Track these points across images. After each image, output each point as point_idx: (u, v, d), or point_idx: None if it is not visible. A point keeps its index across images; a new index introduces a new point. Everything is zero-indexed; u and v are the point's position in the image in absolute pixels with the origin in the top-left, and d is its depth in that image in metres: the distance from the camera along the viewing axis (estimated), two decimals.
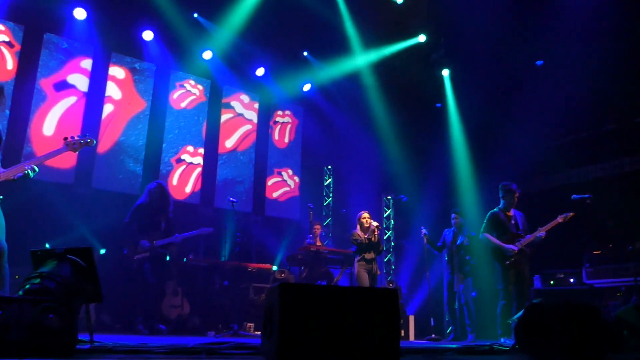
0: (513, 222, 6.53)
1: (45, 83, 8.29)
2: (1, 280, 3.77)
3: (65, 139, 4.33)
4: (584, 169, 9.32)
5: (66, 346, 2.52)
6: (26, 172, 3.96)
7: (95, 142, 4.53)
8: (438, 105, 11.04)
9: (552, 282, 7.55)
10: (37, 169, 4.04)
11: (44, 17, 8.23)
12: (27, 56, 8.16)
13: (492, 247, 6.51)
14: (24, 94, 8.03)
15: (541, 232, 6.33)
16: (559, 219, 6.33)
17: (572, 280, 7.46)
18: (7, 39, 8.02)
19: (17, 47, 8.10)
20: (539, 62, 9.45)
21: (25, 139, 7.94)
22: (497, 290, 6.54)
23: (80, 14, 8.31)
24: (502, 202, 6.64)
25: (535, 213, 6.92)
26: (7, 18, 8.02)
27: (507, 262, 6.31)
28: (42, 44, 8.35)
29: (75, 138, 4.35)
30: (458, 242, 7.83)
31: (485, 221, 6.66)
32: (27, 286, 2.76)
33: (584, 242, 7.66)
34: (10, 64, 8.00)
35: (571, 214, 6.30)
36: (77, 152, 4.48)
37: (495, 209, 6.65)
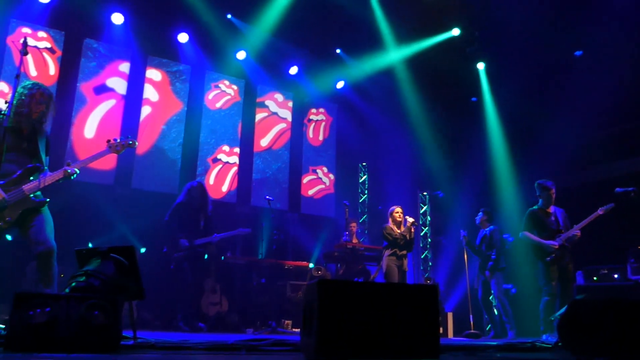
0: (553, 219, 6.40)
1: (85, 87, 8.52)
2: (50, 278, 3.88)
3: (108, 141, 4.44)
4: (627, 161, 9.03)
5: (111, 342, 2.59)
6: (67, 173, 4.08)
7: (136, 143, 4.64)
8: (474, 99, 10.87)
9: (595, 278, 7.36)
10: (78, 171, 4.16)
11: (84, 23, 8.46)
12: (68, 61, 8.41)
13: (532, 245, 6.40)
14: (65, 98, 8.26)
15: (576, 230, 6.19)
16: (600, 212, 6.18)
17: (616, 276, 7.25)
18: (49, 45, 8.27)
19: (59, 52, 8.34)
20: (577, 53, 9.20)
21: (68, 141, 8.18)
22: (538, 287, 6.42)
23: (117, 19, 8.50)
24: (540, 200, 6.52)
25: (578, 207, 6.75)
26: (48, 25, 8.27)
27: (548, 259, 6.18)
28: (82, 49, 8.59)
29: (118, 140, 4.47)
30: (481, 235, 7.80)
31: (524, 219, 6.57)
32: (74, 284, 2.85)
33: (628, 237, 7.44)
34: (52, 69, 8.24)
35: (612, 205, 6.13)
36: (119, 154, 4.57)
37: (534, 207, 6.56)
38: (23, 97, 4.02)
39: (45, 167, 4.13)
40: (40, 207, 4.00)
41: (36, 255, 3.90)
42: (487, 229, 7.82)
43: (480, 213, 7.99)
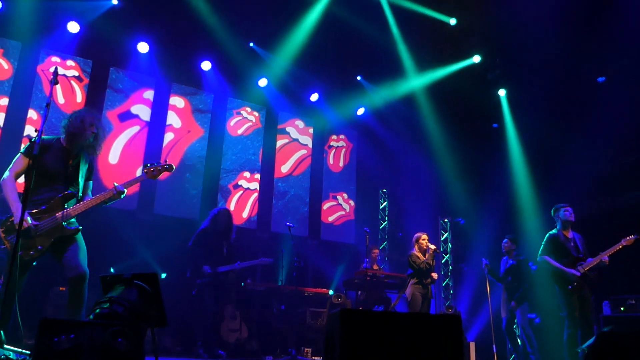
0: (572, 244, 6.25)
1: (111, 114, 8.70)
2: (79, 304, 3.86)
3: (146, 166, 4.48)
4: None
5: None
6: (118, 192, 4.18)
7: (174, 167, 4.63)
8: (495, 125, 10.81)
9: (622, 309, 7.17)
10: (125, 191, 4.24)
11: (110, 52, 8.70)
12: (95, 89, 8.63)
13: (552, 271, 6.22)
14: None
15: (604, 257, 6.04)
16: (623, 243, 6.03)
17: None
18: (76, 73, 8.50)
19: (86, 80, 8.56)
20: (600, 79, 9.13)
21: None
22: (560, 316, 6.25)
23: (143, 47, 8.71)
24: (558, 223, 6.40)
25: (601, 235, 6.62)
26: (77, 54, 8.53)
27: (570, 287, 6.03)
28: (108, 77, 8.80)
29: (155, 164, 4.48)
30: (508, 265, 7.61)
31: (543, 243, 6.40)
32: (97, 310, 2.86)
33: None
34: (79, 97, 8.45)
35: (635, 237, 5.99)
36: (155, 179, 4.55)
37: (553, 231, 6.39)
38: (74, 121, 4.09)
39: (81, 194, 4.18)
40: (73, 235, 4.01)
41: (68, 280, 3.90)
42: (514, 259, 7.62)
43: (505, 240, 7.83)
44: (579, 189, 8.49)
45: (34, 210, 3.87)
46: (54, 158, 4.04)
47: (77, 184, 4.12)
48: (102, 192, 4.17)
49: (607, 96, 8.77)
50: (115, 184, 4.19)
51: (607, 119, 8.56)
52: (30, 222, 3.78)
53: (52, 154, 4.04)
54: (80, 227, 4.07)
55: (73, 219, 4.05)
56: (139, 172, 4.45)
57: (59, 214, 3.90)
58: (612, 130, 8.50)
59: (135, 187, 8.58)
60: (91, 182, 4.32)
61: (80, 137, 4.09)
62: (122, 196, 4.21)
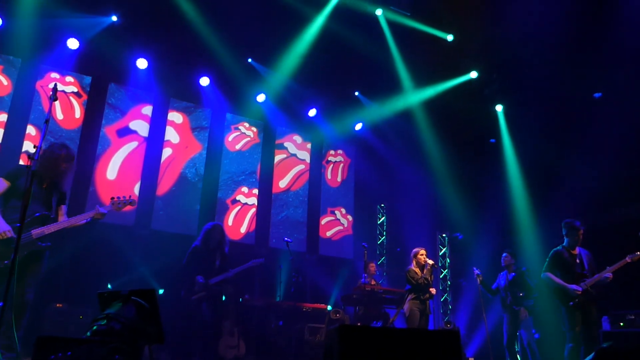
0: (578, 260, 6.18)
1: (109, 130, 8.72)
2: (18, 327, 4.13)
3: (112, 198, 4.93)
4: None
5: None
6: (99, 215, 4.70)
7: (136, 202, 5.15)
8: (492, 140, 10.87)
9: (622, 324, 7.14)
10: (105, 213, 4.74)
11: (109, 68, 8.74)
12: (93, 105, 8.67)
13: (554, 288, 6.18)
14: (89, 141, 8.49)
15: (607, 273, 6.00)
16: (627, 259, 5.98)
17: None
18: (75, 89, 8.54)
19: (85, 96, 8.60)
20: (596, 95, 9.20)
21: (91, 182, 8.32)
22: (562, 332, 6.21)
23: (142, 63, 8.77)
24: (565, 240, 6.33)
25: (600, 250, 6.61)
26: (76, 70, 8.57)
27: (571, 304, 5.99)
28: (107, 93, 8.84)
29: (121, 198, 4.93)
30: (509, 278, 7.56)
31: (548, 259, 6.33)
32: (95, 327, 2.85)
33: None
34: (78, 112, 8.48)
35: None
36: (120, 211, 5.00)
37: (559, 247, 6.31)
38: (50, 155, 4.53)
39: (55, 215, 4.62)
40: (44, 251, 4.47)
41: (17, 300, 4.16)
42: (515, 271, 7.58)
43: (505, 254, 7.79)
44: (575, 204, 8.50)
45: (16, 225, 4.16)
46: (36, 183, 4.42)
47: (51, 207, 4.58)
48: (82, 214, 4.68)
49: (604, 111, 8.83)
50: (98, 206, 4.72)
51: (604, 134, 8.62)
52: (12, 234, 4.19)
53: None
54: (50, 244, 4.48)
55: (44, 237, 4.45)
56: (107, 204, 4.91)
57: (34, 232, 4.35)
58: (609, 145, 8.55)
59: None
60: (65, 205, 4.77)
61: (52, 169, 4.54)
62: (102, 218, 4.73)
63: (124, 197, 4.94)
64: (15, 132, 7.89)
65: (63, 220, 4.59)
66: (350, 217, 11.07)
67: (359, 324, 7.84)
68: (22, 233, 3.95)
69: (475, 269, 7.77)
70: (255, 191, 10.02)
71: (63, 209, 4.73)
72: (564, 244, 6.32)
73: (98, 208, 4.71)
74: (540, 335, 8.29)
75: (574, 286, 5.98)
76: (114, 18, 8.26)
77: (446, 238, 11.64)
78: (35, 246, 4.36)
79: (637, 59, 7.94)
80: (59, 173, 4.58)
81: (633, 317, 7.06)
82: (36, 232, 4.36)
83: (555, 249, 6.34)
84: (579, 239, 6.25)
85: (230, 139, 9.98)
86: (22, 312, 4.23)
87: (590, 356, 3.42)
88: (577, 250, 6.26)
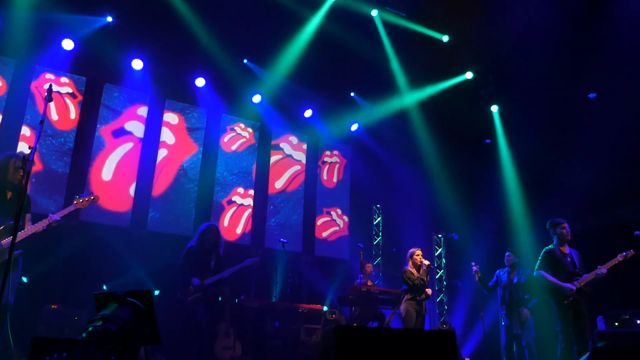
0: (569, 259, 6.24)
1: (104, 131, 8.69)
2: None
3: (75, 197, 5.16)
4: None
5: None
6: (53, 224, 4.84)
7: (98, 198, 5.32)
8: (488, 141, 10.89)
9: (616, 324, 7.16)
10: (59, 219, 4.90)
11: (104, 68, 8.71)
12: (88, 106, 8.63)
13: (548, 286, 6.20)
14: (84, 142, 8.45)
15: (602, 270, 6.04)
16: (619, 258, 6.04)
17: (638, 321, 7.06)
18: (70, 90, 8.50)
19: (80, 97, 8.56)
20: (591, 95, 9.23)
21: (86, 184, 8.29)
22: (555, 331, 6.24)
23: (137, 64, 8.74)
24: (554, 238, 6.40)
25: (594, 251, 6.63)
26: (71, 71, 8.53)
27: (566, 302, 6.02)
28: (102, 93, 8.80)
29: (85, 197, 5.17)
30: (514, 280, 7.56)
31: (540, 258, 6.38)
32: (90, 328, 2.84)
33: None
34: (73, 113, 8.45)
35: (631, 252, 6.01)
36: (84, 207, 5.23)
37: (550, 246, 6.38)
38: (6, 168, 4.76)
39: (22, 223, 4.76)
40: (17, 258, 4.65)
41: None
42: (519, 274, 7.57)
43: (508, 253, 7.78)
44: (571, 205, 8.52)
45: None
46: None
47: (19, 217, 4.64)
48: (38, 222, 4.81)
49: (598, 112, 8.87)
50: (50, 215, 4.86)
51: (599, 135, 8.64)
52: None
53: None
54: (22, 251, 4.65)
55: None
56: (73, 202, 5.14)
57: (3, 242, 4.54)
58: (604, 145, 8.58)
59: (129, 204, 8.57)
60: (29, 214, 4.96)
61: (6, 178, 4.75)
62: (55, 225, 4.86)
63: (87, 194, 5.21)
64: (9, 133, 7.84)
65: (29, 228, 4.77)
66: (346, 218, 11.07)
67: (355, 325, 7.84)
68: None
69: (473, 264, 7.78)
70: (251, 192, 10.01)
71: (27, 217, 4.94)
72: (554, 242, 6.36)
73: (51, 216, 4.87)
74: (535, 334, 8.32)
75: (568, 285, 6.01)
76: (109, 18, 8.24)
77: (442, 238, 11.65)
78: (6, 254, 4.49)
79: (631, 60, 7.98)
80: (15, 179, 4.75)
81: (628, 316, 7.09)
82: (5, 241, 4.54)
83: (547, 247, 6.39)
84: (566, 233, 6.29)
85: (226, 139, 9.97)
86: (3, 315, 4.38)
87: (586, 356, 3.43)
88: (567, 249, 6.30)
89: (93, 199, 5.21)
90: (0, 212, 4.64)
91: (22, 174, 4.69)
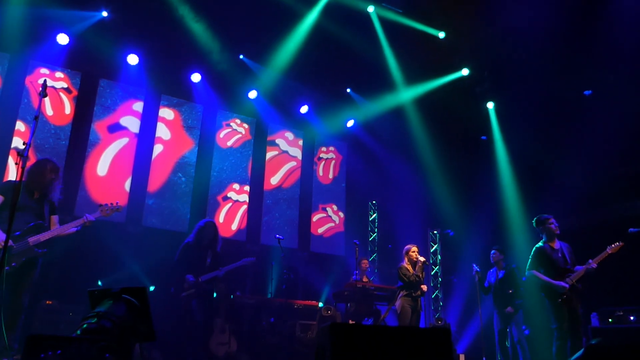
0: (560, 255, 6.21)
1: (99, 126, 8.66)
2: (14, 331, 4.49)
3: (100, 205, 5.38)
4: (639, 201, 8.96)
5: None
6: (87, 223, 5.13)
7: (123, 208, 5.63)
8: (483, 137, 10.91)
9: (610, 320, 7.19)
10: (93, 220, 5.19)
11: (100, 64, 8.66)
12: (84, 101, 8.59)
13: (541, 285, 6.20)
14: (80, 137, 8.42)
15: (592, 264, 6.04)
16: (608, 251, 6.03)
17: (632, 318, 7.08)
18: (65, 85, 8.46)
19: (75, 92, 8.53)
20: (587, 92, 9.25)
21: (81, 179, 8.26)
22: (550, 328, 6.25)
23: (133, 59, 8.69)
24: (543, 236, 6.37)
25: (588, 247, 6.64)
26: (66, 66, 8.48)
27: (559, 300, 6.02)
28: (97, 89, 8.77)
29: (109, 205, 5.37)
30: (500, 276, 7.63)
31: (531, 257, 6.34)
32: (85, 325, 2.83)
33: None
34: (68, 108, 8.41)
35: (620, 244, 6.01)
36: (108, 216, 5.44)
37: (539, 244, 6.33)
38: (36, 168, 4.92)
39: (48, 223, 4.98)
40: (39, 257, 4.80)
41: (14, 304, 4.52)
42: (504, 269, 7.65)
43: (493, 251, 7.85)
44: (566, 201, 8.57)
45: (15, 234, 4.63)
46: (21, 195, 4.72)
47: (43, 217, 4.94)
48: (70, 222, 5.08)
49: (594, 109, 8.89)
50: (86, 214, 5.13)
51: (594, 132, 8.67)
52: (10, 242, 4.40)
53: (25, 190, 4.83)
54: (47, 250, 4.83)
55: (40, 244, 4.80)
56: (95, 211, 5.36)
57: (30, 239, 4.69)
58: (599, 142, 8.61)
59: (124, 200, 8.53)
60: (56, 216, 5.12)
61: (39, 181, 4.93)
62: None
63: (112, 204, 5.37)
64: (4, 128, 7.81)
65: (56, 228, 4.96)
66: (341, 214, 11.08)
67: (350, 321, 7.86)
68: (20, 241, 4.63)
69: (474, 265, 7.81)
70: (247, 188, 9.99)
71: (55, 218, 5.09)
72: (543, 239, 6.34)
73: (87, 216, 5.11)
74: (530, 332, 8.35)
75: (560, 282, 6.00)
76: (105, 13, 8.18)
77: (437, 235, 11.68)
78: (32, 252, 4.70)
79: (627, 57, 8.00)
80: (47, 184, 4.95)
81: (622, 313, 7.11)
82: (32, 239, 4.69)
83: (537, 245, 6.35)
84: (554, 227, 6.27)
85: (221, 135, 9.95)
86: (18, 314, 4.56)
87: (580, 352, 3.44)
88: (557, 245, 6.28)
89: (118, 209, 5.42)
90: (27, 212, 4.82)
91: (50, 178, 4.98)
